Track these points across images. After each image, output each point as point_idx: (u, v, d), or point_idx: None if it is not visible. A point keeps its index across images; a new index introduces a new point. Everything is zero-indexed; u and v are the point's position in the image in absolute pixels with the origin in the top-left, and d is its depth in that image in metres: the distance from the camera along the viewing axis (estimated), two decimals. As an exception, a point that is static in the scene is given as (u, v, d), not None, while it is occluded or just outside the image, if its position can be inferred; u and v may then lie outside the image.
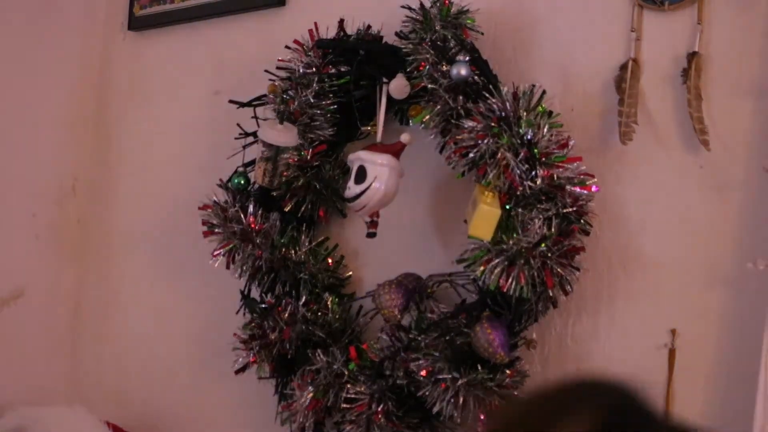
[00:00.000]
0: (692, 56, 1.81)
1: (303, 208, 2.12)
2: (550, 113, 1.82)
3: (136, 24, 2.71)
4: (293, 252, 2.12)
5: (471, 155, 1.81)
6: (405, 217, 2.11)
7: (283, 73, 2.11)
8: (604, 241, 1.88)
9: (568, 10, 1.98)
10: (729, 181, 1.78)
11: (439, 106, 1.89)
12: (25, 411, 2.28)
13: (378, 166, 1.93)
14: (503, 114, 1.79)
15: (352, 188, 1.93)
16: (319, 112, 2.06)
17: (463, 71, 1.85)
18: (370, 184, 1.92)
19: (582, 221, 1.80)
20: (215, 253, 2.11)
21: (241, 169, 2.16)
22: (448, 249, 2.03)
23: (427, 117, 1.90)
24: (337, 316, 2.11)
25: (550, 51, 1.99)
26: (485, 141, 1.79)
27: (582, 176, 1.80)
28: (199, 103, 2.54)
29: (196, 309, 2.50)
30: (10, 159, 2.63)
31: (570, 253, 1.76)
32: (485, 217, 1.78)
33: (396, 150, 1.95)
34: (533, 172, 1.77)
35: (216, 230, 2.11)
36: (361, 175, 1.93)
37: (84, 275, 2.77)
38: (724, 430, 1.73)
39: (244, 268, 2.12)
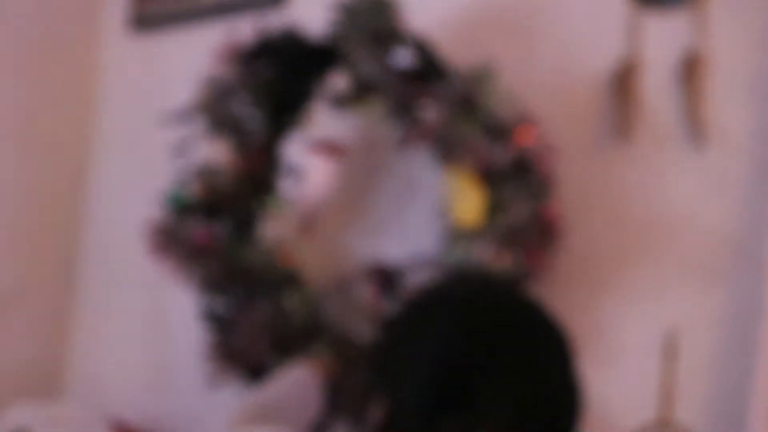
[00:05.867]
0: (692, 55, 1.81)
1: (244, 214, 2.08)
2: (507, 90, 1.81)
3: (136, 24, 2.71)
4: (245, 259, 2.08)
5: (438, 140, 1.80)
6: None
7: (211, 83, 2.08)
8: (603, 239, 1.89)
9: (567, 8, 1.98)
10: (728, 180, 1.78)
11: (389, 97, 1.85)
12: (27, 410, 2.28)
13: (315, 164, 1.91)
14: (464, 95, 1.77)
15: (290, 187, 1.91)
16: (249, 118, 2.03)
17: (404, 59, 1.82)
18: (308, 182, 1.90)
19: (552, 193, 1.79)
20: (167, 271, 2.08)
21: (177, 185, 2.11)
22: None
23: (379, 109, 1.87)
24: (302, 315, 2.05)
25: (549, 50, 1.99)
26: (451, 124, 1.77)
27: (543, 150, 1.79)
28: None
29: (194, 308, 2.50)
30: (9, 158, 2.63)
31: (550, 228, 1.76)
32: (473, 200, 1.76)
33: (333, 148, 1.93)
34: (502, 151, 1.76)
35: (164, 248, 2.07)
36: (298, 174, 1.91)
37: (84, 274, 2.77)
38: (723, 426, 1.74)
39: (199, 282, 2.08)
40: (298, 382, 1.86)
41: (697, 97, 1.80)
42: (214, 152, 2.04)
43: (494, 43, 2.02)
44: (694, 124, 1.80)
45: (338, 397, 1.90)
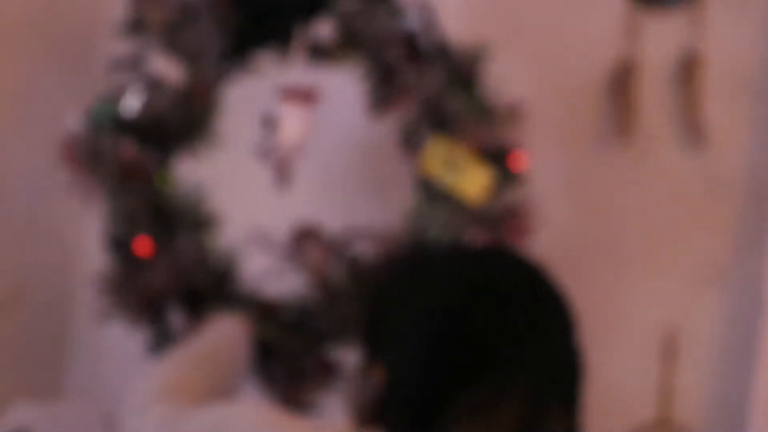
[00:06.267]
0: (690, 55, 1.81)
1: (175, 146, 1.91)
2: (499, 75, 1.79)
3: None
4: (169, 192, 1.89)
5: (429, 111, 1.74)
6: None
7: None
8: (601, 239, 1.89)
9: (567, 8, 1.98)
10: (727, 180, 1.79)
11: (377, 56, 1.78)
12: (27, 410, 2.28)
13: (288, 113, 1.82)
14: (462, 70, 1.75)
15: (263, 135, 1.82)
16: (204, 48, 1.87)
17: (412, 22, 1.76)
18: (283, 132, 1.83)
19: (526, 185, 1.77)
20: (88, 196, 1.89)
21: (108, 100, 1.90)
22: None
23: (362, 67, 1.80)
24: (220, 266, 1.89)
25: (549, 50, 1.99)
26: (447, 96, 1.74)
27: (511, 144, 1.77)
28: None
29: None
30: (9, 158, 2.64)
31: (525, 219, 1.74)
32: (479, 177, 1.71)
33: (307, 95, 1.85)
34: (488, 133, 1.74)
35: (82, 165, 1.88)
36: (273, 122, 1.83)
37: (86, 271, 2.77)
38: (723, 426, 1.74)
39: (115, 208, 1.90)
40: (227, 338, 1.64)
41: (695, 97, 1.80)
42: (158, 72, 1.85)
43: (493, 43, 2.02)
44: (693, 124, 1.80)
45: (268, 360, 1.79)
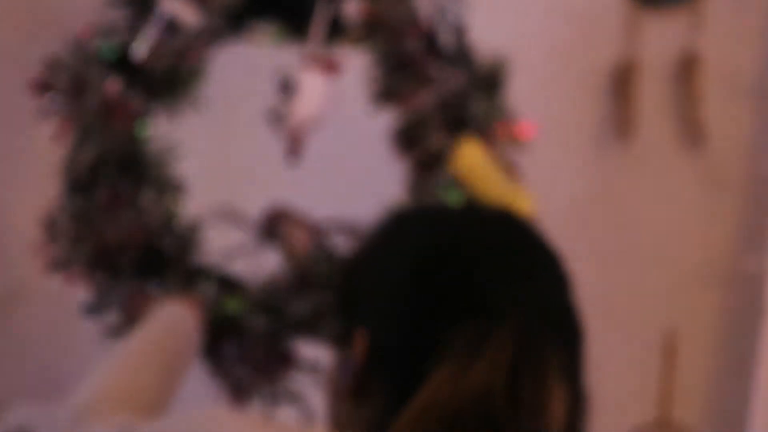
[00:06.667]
0: (690, 56, 1.81)
1: (161, 97, 1.78)
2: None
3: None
4: (144, 143, 1.78)
5: (451, 111, 1.70)
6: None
7: None
8: (601, 239, 1.89)
9: (567, 8, 1.98)
10: (726, 180, 1.79)
11: (401, 45, 1.72)
12: (27, 410, 2.28)
13: (308, 81, 1.76)
14: (487, 77, 1.72)
15: (280, 102, 1.75)
16: (219, 1, 1.74)
17: (453, 18, 1.73)
18: (301, 100, 1.76)
19: None
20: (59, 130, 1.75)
21: (106, 33, 1.76)
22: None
23: (376, 51, 1.73)
24: (181, 230, 1.79)
25: (548, 49, 1.99)
26: (472, 99, 1.71)
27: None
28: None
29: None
30: (15, 152, 2.64)
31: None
32: (530, 196, 1.66)
33: (329, 64, 1.79)
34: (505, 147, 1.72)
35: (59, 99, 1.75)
36: (291, 87, 1.76)
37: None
38: (723, 426, 1.74)
39: (88, 149, 1.78)
40: (179, 328, 1.50)
41: (694, 96, 1.80)
42: (173, 13, 1.71)
43: (489, 41, 2.02)
44: (692, 124, 1.80)
45: (221, 341, 1.69)
